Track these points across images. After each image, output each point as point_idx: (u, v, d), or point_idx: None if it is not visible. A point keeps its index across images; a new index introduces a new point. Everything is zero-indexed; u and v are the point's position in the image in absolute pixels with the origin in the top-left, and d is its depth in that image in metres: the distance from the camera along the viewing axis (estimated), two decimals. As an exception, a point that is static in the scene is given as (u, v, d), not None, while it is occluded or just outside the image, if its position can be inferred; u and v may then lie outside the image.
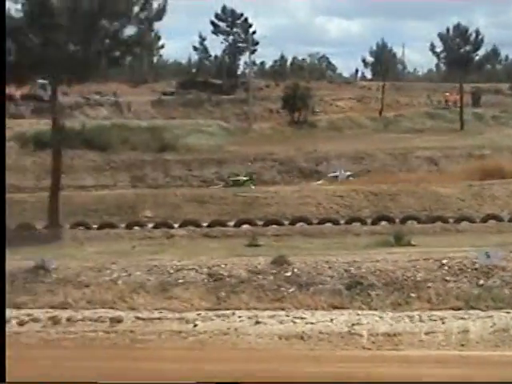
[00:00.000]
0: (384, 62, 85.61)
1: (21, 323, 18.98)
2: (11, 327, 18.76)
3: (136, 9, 31.66)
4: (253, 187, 41.44)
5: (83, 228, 32.27)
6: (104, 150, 45.26)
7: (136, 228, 32.24)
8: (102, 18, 31.04)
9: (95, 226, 32.53)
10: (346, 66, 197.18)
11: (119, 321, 18.84)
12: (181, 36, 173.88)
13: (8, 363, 15.81)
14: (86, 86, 49.88)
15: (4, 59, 22.10)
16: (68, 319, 19.04)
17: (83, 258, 23.84)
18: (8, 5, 30.72)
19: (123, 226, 32.69)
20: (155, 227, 32.11)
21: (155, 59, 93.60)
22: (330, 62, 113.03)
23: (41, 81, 49.44)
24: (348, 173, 45.03)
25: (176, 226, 32.17)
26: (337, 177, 44.38)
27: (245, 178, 43.63)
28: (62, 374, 15.12)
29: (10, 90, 47.79)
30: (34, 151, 45.34)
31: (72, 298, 20.04)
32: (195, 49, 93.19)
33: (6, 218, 18.19)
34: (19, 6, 30.66)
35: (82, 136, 44.74)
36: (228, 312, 19.13)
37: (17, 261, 22.88)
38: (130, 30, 32.05)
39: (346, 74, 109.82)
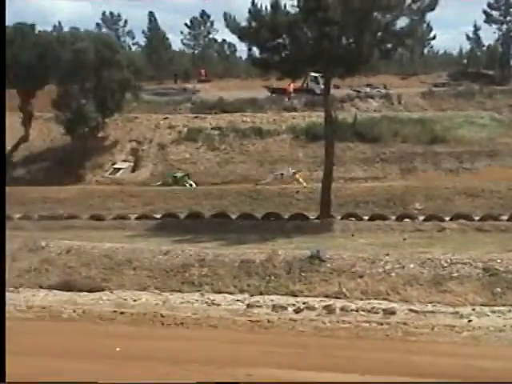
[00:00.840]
0: None
1: (297, 311, 19.55)
2: (287, 314, 19.46)
3: (408, 0, 31.44)
4: (194, 185, 42.16)
5: (354, 219, 32.59)
6: (374, 142, 45.40)
7: (406, 220, 32.11)
8: (374, 10, 31.14)
9: (366, 218, 32.76)
10: None
11: (392, 312, 18.90)
12: (451, 26, 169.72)
13: (273, 350, 16.36)
14: (357, 79, 50.21)
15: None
16: (342, 309, 19.36)
17: (355, 249, 24.13)
18: (284, 0, 31.79)
19: (393, 217, 32.67)
20: (426, 220, 31.83)
21: (425, 50, 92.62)
22: None
23: (313, 74, 50.47)
24: (293, 170, 43.51)
25: (447, 219, 31.68)
26: (282, 174, 43.33)
27: (180, 175, 43.54)
28: (334, 363, 15.39)
29: (284, 83, 49.33)
30: (306, 143, 46.36)
31: (346, 288, 20.39)
32: (468, 38, 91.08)
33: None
34: (295, 2, 31.44)
35: (353, 128, 45.22)
36: (504, 308, 18.66)
37: (291, 250, 23.65)
38: (402, 22, 31.96)
39: None
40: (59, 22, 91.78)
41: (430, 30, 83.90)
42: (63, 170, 45.35)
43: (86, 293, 22.06)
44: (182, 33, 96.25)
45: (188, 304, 20.75)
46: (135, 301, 21.26)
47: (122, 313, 20.26)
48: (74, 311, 20.61)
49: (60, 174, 44.44)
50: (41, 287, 22.86)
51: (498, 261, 20.69)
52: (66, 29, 77.33)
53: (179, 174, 43.48)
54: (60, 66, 46.21)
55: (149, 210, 36.33)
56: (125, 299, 21.43)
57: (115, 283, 22.53)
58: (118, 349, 16.47)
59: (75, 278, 22.92)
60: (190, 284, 21.99)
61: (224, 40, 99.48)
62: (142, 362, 15.47)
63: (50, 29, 74.65)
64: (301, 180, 41.68)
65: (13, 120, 50.52)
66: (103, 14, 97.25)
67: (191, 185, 42.56)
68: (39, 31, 53.97)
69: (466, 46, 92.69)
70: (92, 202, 38.57)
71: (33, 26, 52.52)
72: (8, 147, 48.78)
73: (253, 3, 32.11)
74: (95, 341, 17.55)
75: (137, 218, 34.54)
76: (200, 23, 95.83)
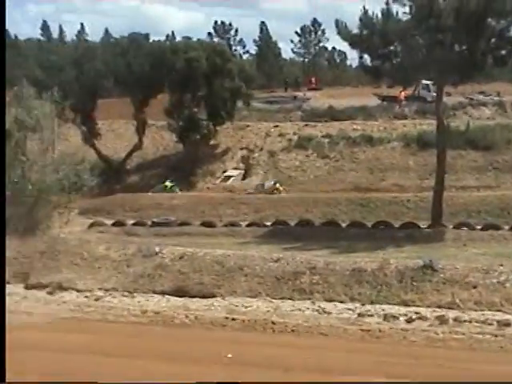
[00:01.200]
0: None
1: (408, 320, 19.40)
2: (399, 324, 19.33)
3: (524, 5, 30.80)
4: (178, 191, 44.32)
5: (466, 229, 32.05)
6: (487, 151, 44.51)
7: (523, 230, 31.52)
8: (488, 16, 30.65)
9: (478, 227, 32.19)
10: None
11: (507, 324, 18.56)
12: None
13: (384, 360, 16.26)
14: (469, 86, 49.36)
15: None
16: (455, 319, 19.11)
17: (467, 259, 23.76)
18: (395, 8, 31.62)
19: (507, 227, 32.00)
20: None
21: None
22: None
23: (424, 81, 49.89)
24: (273, 181, 44.46)
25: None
26: (263, 185, 44.51)
27: (170, 184, 44.79)
28: (447, 374, 15.21)
29: (395, 91, 49.01)
30: (417, 151, 45.86)
31: (459, 299, 20.10)
32: None
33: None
34: (407, 9, 31.21)
35: (465, 136, 44.45)
36: None
37: (403, 259, 23.46)
38: (516, 28, 31.35)
39: None
40: (172, 32, 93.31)
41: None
42: (175, 177, 46.09)
43: (198, 299, 22.43)
44: (292, 41, 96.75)
45: (299, 312, 20.85)
46: (246, 307, 21.48)
47: (233, 319, 20.52)
48: (187, 317, 20.98)
49: (173, 181, 45.28)
50: (154, 292, 23.33)
51: None
52: (178, 38, 78.81)
53: (169, 184, 44.98)
54: (173, 74, 46.98)
55: (259, 218, 36.63)
56: (236, 305, 21.68)
57: (227, 290, 22.80)
58: (229, 355, 16.68)
59: (188, 284, 23.31)
60: (300, 291, 22.07)
61: (334, 48, 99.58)
62: (253, 368, 15.63)
63: (163, 38, 76.11)
64: (281, 189, 43.06)
65: (127, 128, 51.87)
66: (215, 23, 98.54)
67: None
68: (153, 41, 55.19)
69: None
70: (203, 208, 39.14)
71: (147, 36, 53.67)
72: (122, 155, 50.04)
73: (364, 11, 32.05)
74: (207, 346, 17.83)
75: (247, 225, 34.89)
76: (311, 31, 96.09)
